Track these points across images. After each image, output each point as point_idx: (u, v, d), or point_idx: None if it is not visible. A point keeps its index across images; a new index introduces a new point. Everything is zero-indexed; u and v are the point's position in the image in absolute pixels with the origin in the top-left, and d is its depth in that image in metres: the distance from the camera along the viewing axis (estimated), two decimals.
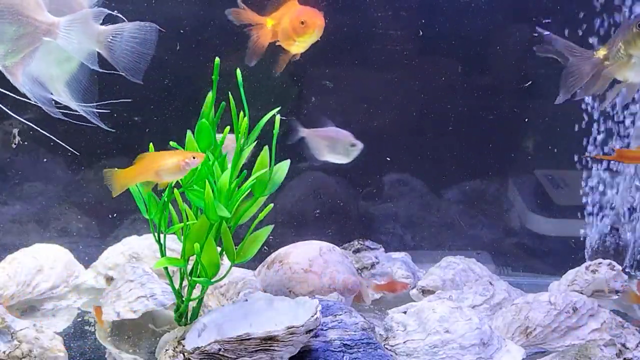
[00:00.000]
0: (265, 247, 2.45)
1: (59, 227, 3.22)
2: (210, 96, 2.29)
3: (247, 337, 1.99)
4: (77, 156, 3.19)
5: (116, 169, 2.19)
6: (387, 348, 2.26)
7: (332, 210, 3.13)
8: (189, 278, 2.30)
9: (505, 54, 3.25)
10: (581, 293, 2.69)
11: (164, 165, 2.14)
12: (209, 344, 2.01)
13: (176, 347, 2.13)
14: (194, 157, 2.14)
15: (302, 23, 2.47)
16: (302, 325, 2.01)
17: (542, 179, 3.38)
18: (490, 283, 2.70)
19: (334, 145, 2.93)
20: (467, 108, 3.26)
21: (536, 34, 2.66)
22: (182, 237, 2.26)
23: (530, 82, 3.09)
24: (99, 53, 2.26)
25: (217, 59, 2.23)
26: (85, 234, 3.22)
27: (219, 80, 2.26)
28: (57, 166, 3.21)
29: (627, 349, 2.36)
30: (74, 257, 2.85)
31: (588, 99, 3.08)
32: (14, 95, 2.20)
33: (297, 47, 2.53)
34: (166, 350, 2.15)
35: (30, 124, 2.37)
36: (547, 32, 2.58)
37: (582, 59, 2.50)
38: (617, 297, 2.84)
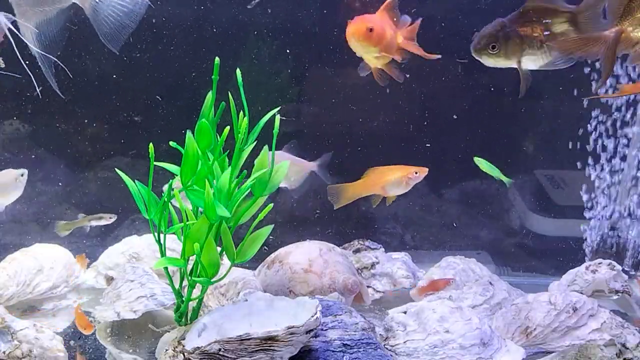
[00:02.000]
0: (265, 247, 2.45)
1: None
2: (210, 96, 2.29)
3: (247, 337, 2.00)
4: (78, 156, 3.21)
5: (342, 184, 2.25)
6: (387, 348, 2.26)
7: (332, 210, 3.12)
8: (189, 278, 2.30)
9: None
10: (581, 293, 2.69)
11: (390, 180, 2.24)
12: (209, 344, 2.01)
13: (176, 347, 2.13)
14: (416, 173, 2.23)
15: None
16: (302, 325, 2.01)
17: (542, 179, 3.38)
18: (490, 283, 2.70)
19: None
20: (467, 108, 3.26)
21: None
22: (182, 237, 2.26)
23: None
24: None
25: (217, 59, 2.23)
26: (85, 234, 3.22)
27: (219, 80, 2.26)
28: (57, 166, 3.21)
29: (627, 349, 2.36)
30: (74, 257, 2.85)
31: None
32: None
33: (369, 60, 2.43)
34: (166, 350, 2.15)
35: None
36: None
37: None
38: (617, 297, 2.84)
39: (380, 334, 2.30)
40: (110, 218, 2.95)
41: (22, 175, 2.73)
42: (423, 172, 2.28)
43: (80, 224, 2.93)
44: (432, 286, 2.70)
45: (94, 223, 2.94)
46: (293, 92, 3.23)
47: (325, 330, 2.15)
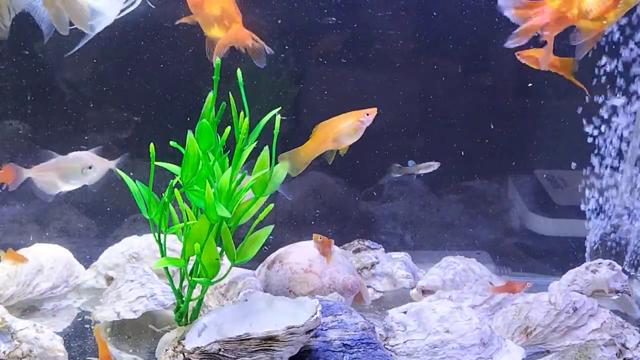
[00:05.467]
0: (265, 247, 2.44)
1: (59, 227, 3.22)
2: (210, 96, 2.29)
3: (247, 337, 2.00)
4: None
5: (293, 149, 2.12)
6: (387, 348, 2.26)
7: (332, 210, 3.12)
8: (189, 278, 2.30)
9: (506, 54, 3.24)
10: (581, 293, 2.69)
11: (342, 129, 2.10)
12: (209, 344, 2.01)
13: (176, 347, 2.13)
14: (367, 114, 2.07)
15: None
16: (302, 325, 2.01)
17: (542, 179, 3.38)
18: (491, 283, 2.70)
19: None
20: (467, 108, 3.26)
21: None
22: (182, 237, 2.26)
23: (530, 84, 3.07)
24: None
25: (217, 59, 2.23)
26: (85, 234, 3.22)
27: (220, 80, 2.26)
28: None
29: (627, 349, 2.36)
30: (73, 257, 2.85)
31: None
32: None
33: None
34: (166, 350, 2.15)
35: None
36: None
37: None
38: (617, 297, 2.84)
39: (380, 334, 2.30)
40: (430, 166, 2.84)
41: (89, 167, 2.70)
42: (373, 112, 2.11)
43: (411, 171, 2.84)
44: (508, 287, 2.63)
45: (422, 171, 2.85)
46: (293, 91, 3.23)
47: (325, 330, 2.15)
